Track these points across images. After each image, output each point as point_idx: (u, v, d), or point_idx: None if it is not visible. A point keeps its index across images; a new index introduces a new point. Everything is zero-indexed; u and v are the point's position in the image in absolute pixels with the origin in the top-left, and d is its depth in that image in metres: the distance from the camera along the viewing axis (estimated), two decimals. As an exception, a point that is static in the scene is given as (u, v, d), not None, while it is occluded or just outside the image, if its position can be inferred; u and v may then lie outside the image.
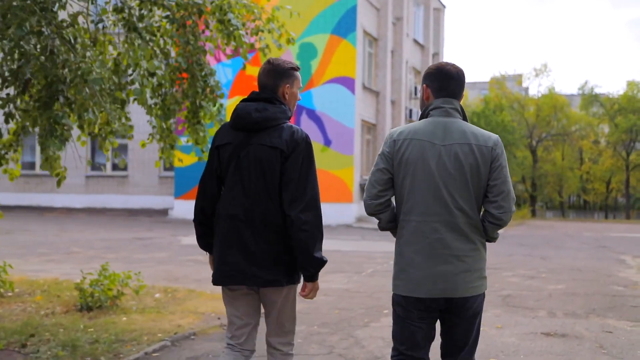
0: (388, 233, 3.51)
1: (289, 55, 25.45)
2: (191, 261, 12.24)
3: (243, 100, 3.52)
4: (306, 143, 3.43)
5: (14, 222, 21.64)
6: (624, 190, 49.96)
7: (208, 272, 10.39)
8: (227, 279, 3.46)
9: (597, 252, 16.25)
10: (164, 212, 28.03)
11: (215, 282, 3.52)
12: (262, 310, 3.65)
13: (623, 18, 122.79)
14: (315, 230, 3.36)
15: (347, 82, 25.18)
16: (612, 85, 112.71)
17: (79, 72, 5.26)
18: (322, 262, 3.41)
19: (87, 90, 5.35)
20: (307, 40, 25.39)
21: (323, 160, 24.84)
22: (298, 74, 3.65)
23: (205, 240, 3.65)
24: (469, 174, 3.22)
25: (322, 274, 9.71)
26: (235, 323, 3.57)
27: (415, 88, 31.93)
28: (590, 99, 49.73)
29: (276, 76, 3.52)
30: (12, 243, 14.64)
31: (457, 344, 3.37)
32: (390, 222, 3.39)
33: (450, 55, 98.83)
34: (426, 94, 3.40)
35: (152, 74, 6.53)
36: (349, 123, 25.00)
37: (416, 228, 3.25)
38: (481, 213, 3.35)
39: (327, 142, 25.15)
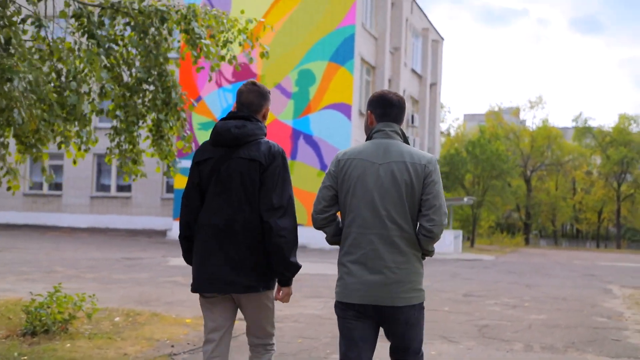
0: None
1: (288, 80, 24.94)
2: (170, 282, 11.50)
3: (222, 119, 3.56)
4: (282, 156, 3.51)
5: (12, 240, 20.99)
6: (615, 220, 48.98)
7: (182, 293, 9.61)
8: (208, 286, 3.45)
9: (585, 281, 15.42)
10: (164, 233, 27.34)
11: (194, 289, 3.52)
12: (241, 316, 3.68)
13: (616, 57, 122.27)
14: (291, 236, 3.43)
15: (344, 109, 24.58)
16: (605, 119, 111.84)
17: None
18: (297, 267, 3.49)
19: (6, 88, 4.70)
20: (305, 67, 24.86)
21: (318, 184, 23.95)
22: None
23: (191, 255, 3.59)
24: (403, 190, 3.30)
25: (298, 299, 8.88)
26: (209, 326, 3.57)
27: (412, 116, 31.30)
28: (583, 130, 49.02)
29: (261, 97, 3.60)
30: (-3, 260, 13.97)
31: (398, 349, 3.41)
32: (335, 236, 3.46)
33: (447, 86, 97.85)
34: (370, 119, 3.51)
35: (103, 89, 5.90)
36: (345, 148, 24.29)
37: (354, 240, 3.33)
38: (417, 227, 3.39)
39: (323, 167, 24.46)
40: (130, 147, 6.80)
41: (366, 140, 3.50)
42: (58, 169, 31.12)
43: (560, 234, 56.37)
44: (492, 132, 41.06)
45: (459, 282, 13.87)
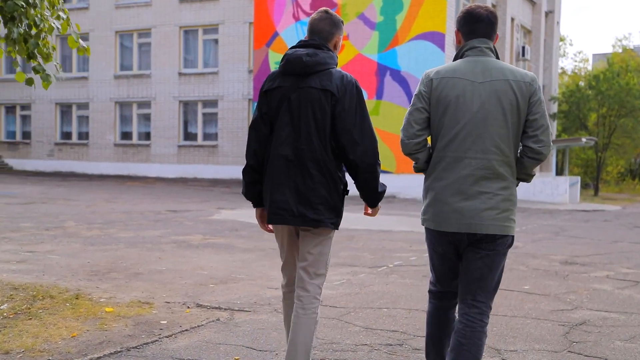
0: None
1: (372, 9, 21.62)
2: (175, 244, 8.98)
3: (292, 47, 3.36)
4: (356, 87, 3.30)
5: (79, 191, 19.52)
6: None
7: (171, 260, 7.47)
8: (276, 217, 3.29)
9: None
10: (245, 183, 25.21)
11: (268, 221, 3.35)
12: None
13: None
14: (377, 169, 3.31)
15: (437, 38, 20.95)
16: None
17: None
18: (383, 192, 3.38)
19: None
20: (391, -8, 21.36)
21: (408, 126, 20.88)
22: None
23: (253, 189, 3.42)
24: (508, 111, 3.06)
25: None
26: (283, 256, 3.50)
27: (523, 48, 26.98)
28: None
29: (333, 25, 3.39)
30: (17, 214, 12.10)
31: (473, 281, 3.08)
32: (426, 162, 3.20)
33: (568, 15, 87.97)
34: (457, 38, 3.26)
35: None
36: (437, 84, 20.84)
37: (449, 164, 3.09)
38: (519, 151, 3.14)
39: (413, 106, 21.11)
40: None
41: (455, 58, 3.23)
42: (146, 118, 29.77)
43: None
44: (621, 66, 35.32)
45: (561, 241, 10.40)
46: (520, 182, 3.23)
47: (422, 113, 3.13)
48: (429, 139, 3.21)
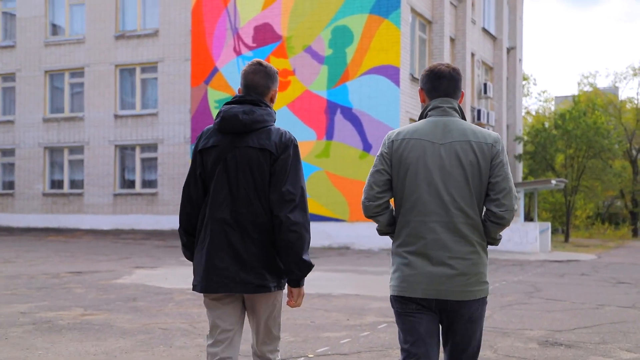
0: None
1: (320, 42, 20.12)
2: (31, 324, 6.93)
3: (227, 103, 3.32)
4: (294, 145, 3.27)
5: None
6: None
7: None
8: (216, 286, 3.17)
9: None
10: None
11: (201, 290, 3.20)
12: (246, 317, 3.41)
13: None
14: (304, 231, 3.17)
15: (391, 72, 19.50)
16: None
17: None
18: (310, 266, 3.21)
19: None
20: (340, 23, 19.95)
21: (361, 169, 19.22)
22: None
23: (190, 250, 3.33)
24: (469, 173, 3.04)
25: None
26: (219, 327, 3.24)
27: (485, 85, 25.81)
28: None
29: (268, 78, 3.33)
30: None
31: (457, 347, 3.10)
32: (389, 226, 3.14)
33: (530, 52, 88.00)
34: (421, 96, 3.26)
35: None
36: (392, 123, 19.27)
37: (414, 228, 3.04)
38: (483, 213, 3.11)
39: (367, 147, 19.51)
40: None
41: (419, 118, 3.22)
42: (79, 164, 27.60)
43: (675, 223, 48.55)
44: (587, 104, 34.38)
45: (537, 307, 8.60)
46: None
47: (383, 175, 3.09)
48: (392, 201, 3.14)
